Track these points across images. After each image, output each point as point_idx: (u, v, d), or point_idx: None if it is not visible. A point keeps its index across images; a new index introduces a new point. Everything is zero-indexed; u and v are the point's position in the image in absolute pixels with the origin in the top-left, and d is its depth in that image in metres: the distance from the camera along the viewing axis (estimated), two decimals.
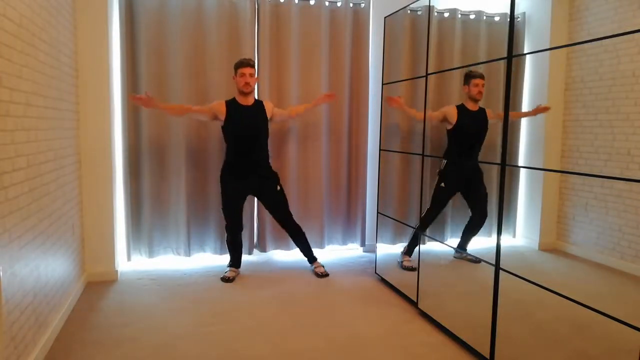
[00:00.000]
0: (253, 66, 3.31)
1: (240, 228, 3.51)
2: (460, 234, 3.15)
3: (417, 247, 2.97)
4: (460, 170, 3.14)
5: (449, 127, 3.05)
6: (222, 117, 3.29)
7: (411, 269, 3.35)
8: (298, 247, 3.67)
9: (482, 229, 3.01)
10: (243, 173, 3.37)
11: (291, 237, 3.64)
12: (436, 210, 3.22)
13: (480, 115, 2.93)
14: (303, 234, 3.63)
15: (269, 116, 3.44)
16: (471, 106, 2.93)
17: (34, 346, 2.15)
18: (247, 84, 3.27)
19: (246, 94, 3.32)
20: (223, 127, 3.35)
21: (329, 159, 4.04)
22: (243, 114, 3.32)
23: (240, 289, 3.25)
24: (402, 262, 3.50)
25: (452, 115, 3.01)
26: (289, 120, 3.76)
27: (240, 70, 3.27)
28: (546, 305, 2.15)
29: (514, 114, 2.42)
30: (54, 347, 2.37)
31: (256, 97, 3.59)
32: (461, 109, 2.98)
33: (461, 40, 3.38)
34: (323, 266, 3.61)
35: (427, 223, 3.16)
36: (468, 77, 2.92)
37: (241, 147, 3.33)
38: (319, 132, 3.93)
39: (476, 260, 2.66)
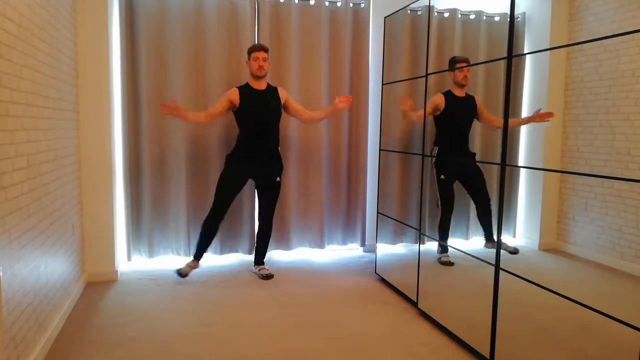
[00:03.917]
0: (266, 50, 3.32)
1: (225, 212, 3.40)
2: (483, 231, 3.11)
3: (418, 247, 2.97)
4: (452, 155, 3.12)
5: (437, 113, 3.05)
6: (237, 102, 3.30)
7: (449, 263, 3.28)
8: (257, 244, 3.61)
9: (481, 229, 3.00)
10: (253, 159, 3.36)
11: (259, 233, 3.58)
12: (450, 204, 3.18)
13: (468, 101, 2.93)
14: (269, 237, 3.61)
15: (282, 101, 3.43)
16: (458, 92, 2.93)
17: (34, 346, 2.15)
18: (260, 67, 3.28)
19: (259, 77, 3.33)
20: (236, 112, 3.34)
21: (329, 158, 4.04)
22: (256, 98, 3.32)
23: (240, 289, 3.25)
24: (440, 258, 3.45)
25: (441, 102, 3.01)
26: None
27: (253, 54, 3.29)
28: (546, 305, 2.15)
29: (513, 121, 2.40)
30: (54, 347, 2.37)
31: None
32: (448, 95, 2.98)
33: (461, 40, 3.37)
34: (267, 269, 3.56)
35: (447, 220, 3.13)
36: (452, 63, 2.92)
37: (254, 131, 3.33)
38: (319, 132, 3.93)
39: (514, 251, 2.62)
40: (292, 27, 3.79)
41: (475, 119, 2.95)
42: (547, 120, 2.48)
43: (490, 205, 2.96)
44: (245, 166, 3.38)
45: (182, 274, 3.31)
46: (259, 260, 3.61)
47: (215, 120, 3.47)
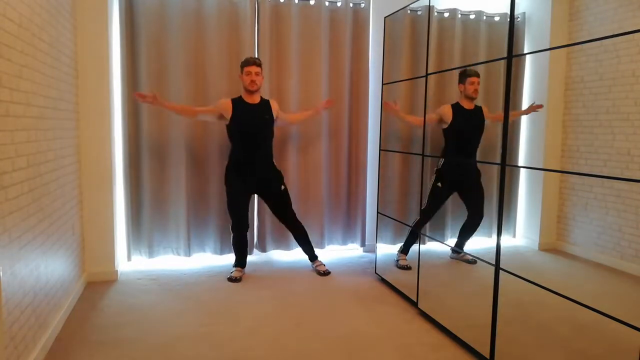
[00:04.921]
0: (259, 65, 3.32)
1: (246, 227, 3.50)
2: (457, 234, 3.14)
3: (418, 246, 2.97)
4: (457, 169, 3.13)
5: (445, 126, 3.05)
6: (228, 115, 3.30)
7: (406, 267, 3.35)
8: (300, 245, 3.68)
9: (481, 229, 3.01)
10: (248, 172, 3.38)
11: (294, 235, 3.66)
12: (433, 209, 3.21)
13: (477, 114, 2.92)
14: (305, 233, 3.65)
15: (275, 116, 3.45)
16: (467, 105, 2.93)
17: (34, 346, 2.15)
18: (252, 82, 3.29)
19: (252, 92, 3.34)
20: (228, 126, 3.35)
21: (329, 159, 4.04)
22: (249, 112, 3.33)
23: (240, 289, 3.25)
24: (398, 260, 3.50)
25: (448, 114, 3.01)
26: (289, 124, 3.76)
27: (246, 69, 3.30)
28: (546, 305, 2.15)
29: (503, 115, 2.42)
30: (54, 347, 2.37)
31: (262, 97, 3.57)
32: (456, 107, 2.97)
33: (461, 40, 3.38)
34: (324, 264, 3.62)
35: (424, 222, 3.15)
36: (463, 76, 2.92)
37: (246, 145, 3.34)
38: (319, 132, 3.93)
39: (472, 261, 2.65)
40: (292, 27, 3.79)
41: (484, 130, 2.94)
42: (537, 110, 2.49)
43: (480, 222, 3.00)
44: (245, 182, 3.39)
45: (236, 280, 3.39)
46: (311, 256, 3.67)
47: (198, 117, 3.42)
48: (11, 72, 1.94)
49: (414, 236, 3.15)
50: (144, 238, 3.70)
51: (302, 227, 3.63)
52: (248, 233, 3.82)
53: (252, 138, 3.34)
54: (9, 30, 1.91)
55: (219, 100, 3.38)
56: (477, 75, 2.88)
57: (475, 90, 2.86)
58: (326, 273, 3.53)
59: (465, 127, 2.97)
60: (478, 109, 2.91)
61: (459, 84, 2.91)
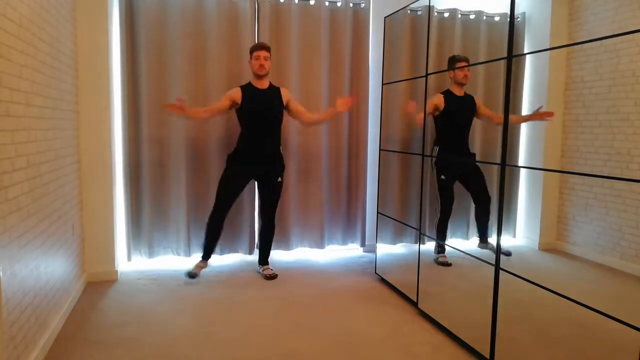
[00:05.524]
0: (268, 50, 3.33)
1: (227, 211, 3.40)
2: (476, 229, 3.12)
3: (418, 247, 2.97)
4: (452, 156, 3.12)
5: (437, 113, 3.05)
6: (239, 101, 3.31)
7: (446, 264, 3.30)
8: (260, 244, 3.62)
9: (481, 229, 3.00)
10: (255, 156, 3.37)
11: (261, 232, 3.60)
12: (449, 204, 3.18)
13: (467, 101, 2.92)
14: (272, 237, 3.61)
15: (284, 101, 3.44)
16: (457, 91, 2.93)
17: (34, 346, 2.15)
18: (261, 66, 3.30)
19: (261, 76, 3.35)
20: (238, 111, 3.35)
21: (329, 158, 4.04)
22: (258, 97, 3.33)
23: (240, 289, 3.25)
24: (437, 258, 3.45)
25: (440, 102, 3.01)
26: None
27: (255, 54, 3.31)
28: (546, 305, 2.15)
29: (513, 118, 2.40)
30: (54, 347, 2.37)
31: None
32: (448, 94, 2.98)
33: (461, 40, 3.38)
34: (271, 269, 3.56)
35: (446, 220, 3.14)
36: (452, 62, 2.91)
37: (255, 130, 3.34)
38: (319, 132, 3.93)
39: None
40: (292, 27, 3.79)
41: (475, 118, 2.94)
42: (546, 120, 2.47)
43: (489, 204, 2.97)
44: (247, 166, 3.38)
45: (191, 275, 3.33)
46: (263, 260, 3.61)
47: (214, 116, 3.43)
48: (11, 72, 1.94)
49: (442, 233, 3.14)
50: (144, 238, 3.70)
51: (274, 230, 3.60)
52: (248, 233, 3.83)
53: (261, 122, 3.34)
54: (9, 30, 1.91)
55: (227, 93, 3.35)
56: (467, 60, 2.88)
57: (465, 76, 2.86)
58: (272, 277, 3.47)
59: (457, 113, 2.97)
60: (469, 97, 2.92)
61: (449, 71, 2.91)
